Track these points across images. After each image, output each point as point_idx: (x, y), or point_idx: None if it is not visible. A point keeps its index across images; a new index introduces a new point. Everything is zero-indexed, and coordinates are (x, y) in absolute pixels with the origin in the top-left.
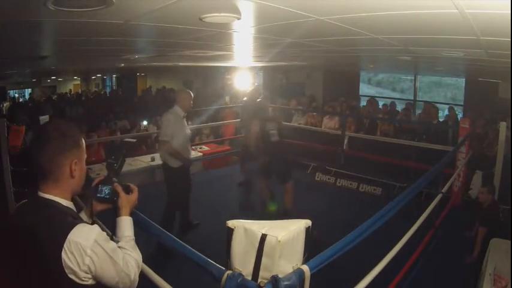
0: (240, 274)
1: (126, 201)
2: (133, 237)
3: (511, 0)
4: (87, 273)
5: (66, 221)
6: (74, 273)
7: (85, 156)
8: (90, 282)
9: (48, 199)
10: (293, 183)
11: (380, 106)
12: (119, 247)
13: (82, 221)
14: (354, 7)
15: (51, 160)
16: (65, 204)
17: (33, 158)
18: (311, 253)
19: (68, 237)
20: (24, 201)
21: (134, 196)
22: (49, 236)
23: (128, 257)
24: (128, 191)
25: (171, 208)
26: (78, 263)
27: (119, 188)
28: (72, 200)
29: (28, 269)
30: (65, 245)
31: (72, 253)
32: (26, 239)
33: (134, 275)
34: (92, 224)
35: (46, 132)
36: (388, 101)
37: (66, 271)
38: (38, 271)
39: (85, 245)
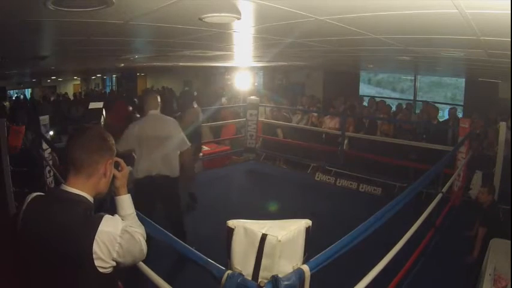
0: (240, 274)
1: (121, 179)
2: (135, 213)
3: (511, 0)
4: (113, 261)
5: (95, 214)
6: (103, 262)
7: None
8: (112, 270)
9: (76, 194)
10: None
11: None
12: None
13: (105, 213)
14: (354, 7)
15: (91, 156)
16: (89, 199)
17: (72, 152)
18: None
19: (99, 228)
20: (40, 194)
21: (125, 171)
22: (79, 229)
23: (137, 234)
24: (117, 168)
25: (181, 222)
26: (109, 251)
27: (113, 169)
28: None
29: (54, 262)
30: (96, 237)
31: (103, 243)
32: (52, 233)
33: (145, 248)
34: None
35: (89, 132)
36: (388, 101)
37: (96, 263)
38: (65, 264)
39: (115, 233)
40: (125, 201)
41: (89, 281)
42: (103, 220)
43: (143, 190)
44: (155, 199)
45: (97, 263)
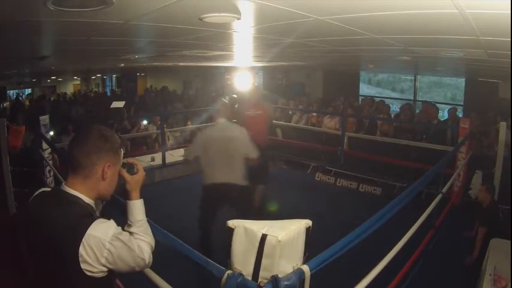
0: (240, 274)
1: (134, 183)
2: (146, 219)
3: (511, 0)
4: (104, 266)
5: (86, 217)
6: (89, 266)
7: (119, 165)
8: (104, 274)
9: (72, 194)
10: None
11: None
12: (132, 233)
13: (100, 217)
14: (354, 7)
15: (87, 156)
16: (87, 201)
17: (70, 151)
18: None
19: (87, 231)
20: (45, 190)
21: (140, 175)
22: (68, 230)
23: (141, 243)
24: (132, 171)
25: None
26: (96, 256)
27: (123, 172)
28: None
29: (42, 261)
30: (83, 240)
31: (90, 247)
32: (45, 230)
33: (149, 257)
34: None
35: (90, 132)
36: (388, 101)
37: (82, 266)
38: (54, 263)
39: (104, 239)
40: (136, 207)
41: (76, 282)
42: (93, 224)
43: (209, 197)
44: (220, 207)
45: (83, 266)
